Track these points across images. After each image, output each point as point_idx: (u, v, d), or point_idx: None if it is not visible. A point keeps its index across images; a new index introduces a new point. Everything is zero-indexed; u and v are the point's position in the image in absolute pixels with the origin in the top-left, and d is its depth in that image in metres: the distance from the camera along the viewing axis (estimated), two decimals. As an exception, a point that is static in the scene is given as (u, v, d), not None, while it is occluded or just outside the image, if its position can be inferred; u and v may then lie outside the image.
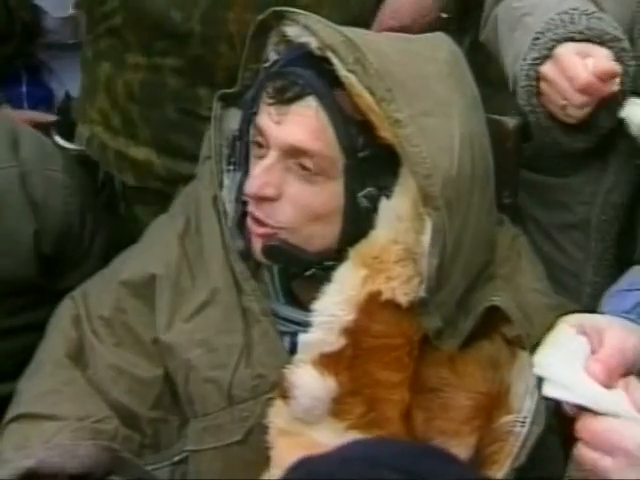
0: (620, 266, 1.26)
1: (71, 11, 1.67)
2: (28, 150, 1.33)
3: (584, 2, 1.19)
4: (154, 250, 1.24)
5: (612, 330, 0.88)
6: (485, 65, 1.32)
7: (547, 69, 1.13)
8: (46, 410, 1.16)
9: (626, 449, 0.76)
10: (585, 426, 0.81)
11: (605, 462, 0.79)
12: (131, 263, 1.25)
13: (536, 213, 1.35)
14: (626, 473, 0.78)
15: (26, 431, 1.15)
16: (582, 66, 1.10)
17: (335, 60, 1.06)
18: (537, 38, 1.14)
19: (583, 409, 0.82)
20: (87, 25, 1.48)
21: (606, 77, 1.09)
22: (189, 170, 1.34)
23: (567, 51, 1.12)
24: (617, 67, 1.11)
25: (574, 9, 1.14)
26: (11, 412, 1.18)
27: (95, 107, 1.46)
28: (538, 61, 1.14)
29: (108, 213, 1.51)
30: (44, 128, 1.61)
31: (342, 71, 1.05)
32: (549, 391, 0.82)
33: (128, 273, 1.23)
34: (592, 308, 1.21)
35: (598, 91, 1.11)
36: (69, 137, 1.60)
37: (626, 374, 0.85)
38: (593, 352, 0.87)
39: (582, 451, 0.81)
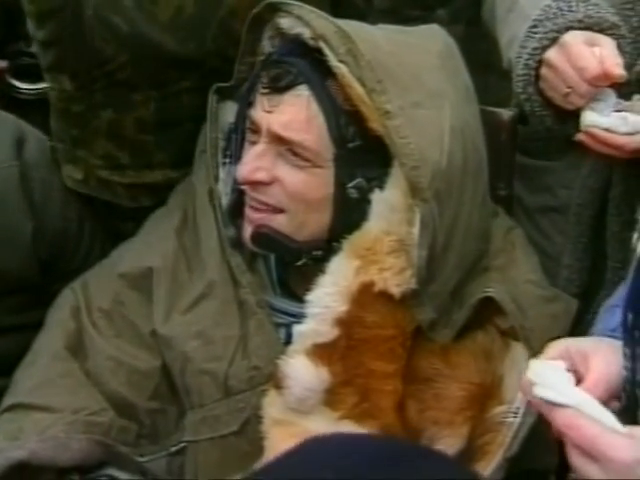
0: (595, 251, 1.28)
1: None
2: (31, 152, 1.34)
3: None
4: (152, 243, 1.25)
5: (598, 355, 0.88)
6: (491, 52, 1.31)
7: (553, 56, 1.12)
8: (41, 401, 1.17)
9: (613, 459, 0.77)
10: (573, 425, 0.81)
11: (591, 469, 0.79)
12: (129, 256, 1.26)
13: (521, 194, 1.36)
14: None
15: (20, 421, 1.16)
16: (592, 56, 1.09)
17: (327, 50, 1.06)
18: (535, 26, 1.14)
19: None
20: (70, 85, 1.37)
21: (614, 70, 1.09)
22: None
23: (575, 40, 1.11)
24: (621, 58, 1.11)
25: None
26: (6, 401, 1.19)
27: (95, 154, 1.41)
28: (538, 51, 1.13)
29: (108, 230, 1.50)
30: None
31: (333, 61, 1.06)
32: (540, 392, 0.83)
33: (126, 266, 1.24)
34: (568, 291, 1.24)
35: (604, 82, 1.11)
36: (26, 78, 1.58)
37: (609, 399, 0.86)
38: (579, 380, 0.87)
39: (571, 453, 0.82)
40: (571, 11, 1.13)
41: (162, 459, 1.19)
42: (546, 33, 1.13)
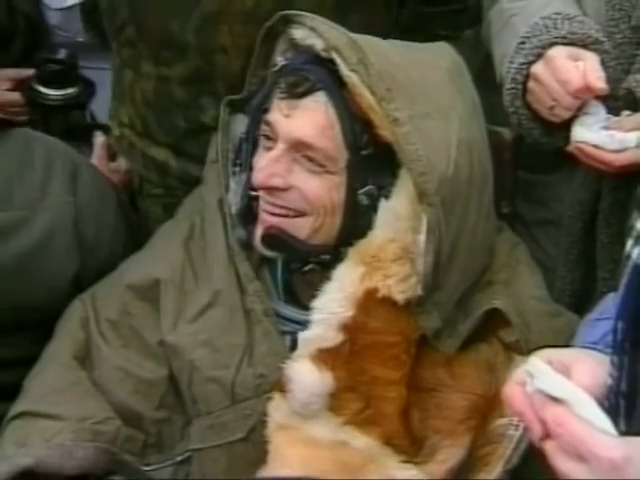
0: (586, 262, 1.30)
1: (70, 2, 1.70)
2: (86, 187, 1.32)
3: (568, 5, 1.24)
4: (159, 255, 1.27)
5: (582, 366, 0.87)
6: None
7: (539, 70, 1.17)
8: (49, 409, 1.18)
9: (603, 458, 0.76)
10: (564, 423, 0.80)
11: (579, 470, 0.79)
12: (137, 267, 1.28)
13: (520, 208, 1.39)
14: None
15: (28, 429, 1.17)
16: (575, 70, 1.14)
17: (339, 60, 1.10)
18: (522, 42, 1.19)
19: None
20: (110, 35, 1.51)
21: (596, 84, 1.13)
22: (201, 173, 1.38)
23: (559, 54, 1.16)
24: (603, 72, 1.15)
25: (557, 14, 1.19)
26: (15, 409, 1.20)
27: (124, 111, 1.51)
28: (524, 66, 1.18)
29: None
30: (24, 83, 1.62)
31: (345, 71, 1.09)
32: (538, 383, 0.84)
33: (134, 277, 1.26)
34: (561, 301, 1.26)
35: (587, 95, 1.15)
36: (54, 85, 1.61)
37: None
38: None
39: (557, 456, 0.80)
40: (556, 28, 1.19)
41: (168, 468, 1.20)
42: (532, 49, 1.18)
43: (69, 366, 1.23)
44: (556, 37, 1.17)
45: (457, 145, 1.09)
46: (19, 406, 1.20)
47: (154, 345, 1.21)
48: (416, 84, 1.11)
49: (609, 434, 0.78)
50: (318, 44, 1.13)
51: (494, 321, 1.14)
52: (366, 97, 1.08)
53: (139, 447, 1.20)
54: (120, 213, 1.38)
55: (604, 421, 0.80)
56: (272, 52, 1.21)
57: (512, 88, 1.19)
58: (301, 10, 1.19)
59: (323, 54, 1.12)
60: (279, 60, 1.20)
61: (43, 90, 1.62)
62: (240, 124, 1.25)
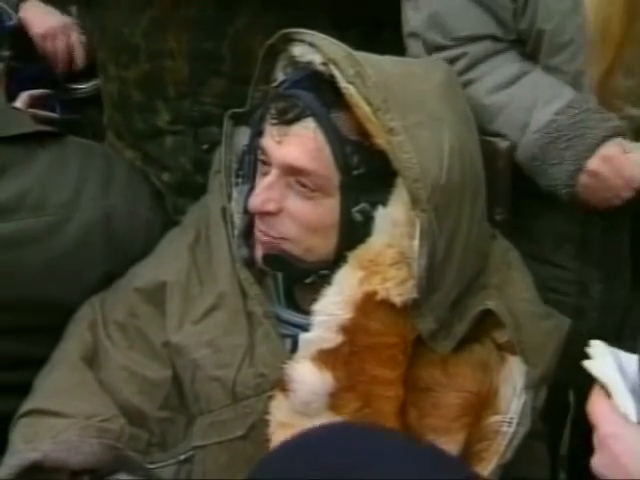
0: None
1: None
2: (119, 188, 1.34)
3: (560, 90, 1.31)
4: (166, 259, 1.30)
5: None
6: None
7: (598, 167, 1.28)
8: (56, 407, 1.22)
9: (599, 428, 0.80)
10: (594, 399, 0.85)
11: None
12: (144, 272, 1.31)
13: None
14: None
15: (36, 425, 1.21)
16: (635, 165, 1.26)
17: (336, 72, 1.14)
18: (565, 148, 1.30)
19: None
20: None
21: None
22: (169, 179, 1.45)
23: (617, 151, 1.28)
24: None
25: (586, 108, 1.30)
26: (24, 407, 1.23)
27: (105, 114, 1.57)
28: (574, 172, 1.29)
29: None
30: (44, 101, 1.67)
31: (343, 82, 1.13)
32: (589, 365, 0.88)
33: (142, 281, 1.29)
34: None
35: None
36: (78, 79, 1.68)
37: None
38: None
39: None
40: (604, 120, 1.29)
41: (171, 467, 1.23)
42: (577, 155, 1.29)
43: (77, 367, 1.26)
44: (606, 133, 1.27)
45: (449, 153, 1.14)
46: (28, 404, 1.24)
47: (159, 346, 1.25)
48: (410, 95, 1.15)
49: (621, 415, 0.83)
50: (317, 59, 1.16)
51: (487, 322, 1.19)
52: (362, 108, 1.12)
53: (143, 445, 1.23)
54: (154, 210, 1.39)
55: (630, 408, 0.84)
56: (273, 68, 1.25)
57: (567, 192, 1.31)
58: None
59: (321, 68, 1.16)
60: (280, 76, 1.24)
61: (73, 86, 1.66)
62: (244, 136, 1.29)
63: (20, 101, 1.68)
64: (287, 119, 1.15)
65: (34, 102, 1.72)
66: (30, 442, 1.18)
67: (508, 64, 1.34)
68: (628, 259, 1.43)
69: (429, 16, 1.34)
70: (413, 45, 1.37)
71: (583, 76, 1.30)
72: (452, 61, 1.33)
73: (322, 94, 1.15)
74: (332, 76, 1.15)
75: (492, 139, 1.35)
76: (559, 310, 1.27)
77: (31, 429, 1.21)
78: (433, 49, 1.35)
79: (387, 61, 1.19)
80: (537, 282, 1.27)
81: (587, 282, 1.44)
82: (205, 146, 1.49)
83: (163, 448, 1.25)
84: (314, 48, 1.17)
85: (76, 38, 1.78)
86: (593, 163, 1.27)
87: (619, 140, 1.28)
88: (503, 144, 1.35)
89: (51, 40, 1.76)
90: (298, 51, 1.20)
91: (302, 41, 1.19)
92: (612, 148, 1.27)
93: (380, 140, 1.12)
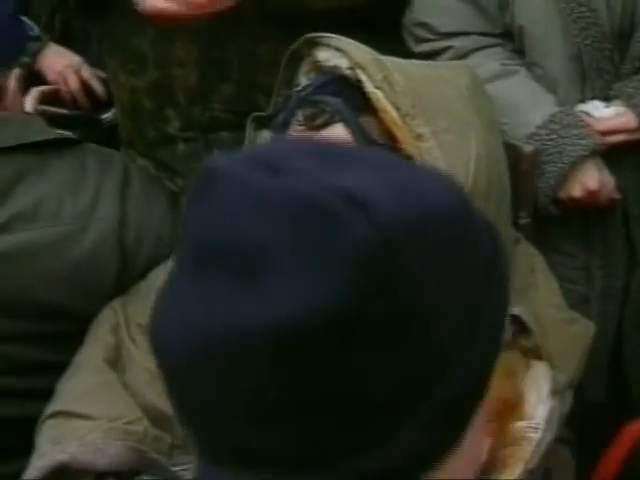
0: None
1: None
2: (134, 196, 1.33)
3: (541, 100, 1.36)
4: None
5: None
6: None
7: (575, 192, 1.37)
8: (81, 410, 1.23)
9: None
10: None
11: None
12: (166, 272, 1.31)
13: None
14: None
15: (62, 428, 1.22)
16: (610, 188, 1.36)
17: (364, 77, 1.13)
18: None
19: None
20: None
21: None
22: (182, 184, 1.46)
23: (592, 176, 1.37)
24: None
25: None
26: (50, 409, 1.25)
27: (120, 124, 1.60)
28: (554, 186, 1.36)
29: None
30: (54, 97, 1.71)
31: (370, 87, 1.13)
32: None
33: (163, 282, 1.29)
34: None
35: None
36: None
37: None
38: None
39: None
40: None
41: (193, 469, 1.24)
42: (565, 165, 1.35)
43: (100, 369, 1.27)
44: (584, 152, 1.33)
45: (476, 159, 1.14)
46: (53, 406, 1.25)
47: None
48: (437, 100, 1.15)
49: None
50: (343, 63, 1.16)
51: (513, 328, 1.18)
52: (390, 113, 1.12)
53: (166, 447, 1.23)
54: (168, 217, 1.38)
55: None
56: (296, 73, 1.25)
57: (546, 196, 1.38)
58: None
59: (347, 72, 1.16)
60: (302, 80, 1.24)
61: (101, 117, 1.70)
62: (263, 140, 1.29)
63: (30, 97, 1.70)
64: (316, 125, 1.15)
65: (44, 98, 1.73)
66: (57, 444, 1.19)
67: (489, 62, 1.34)
68: (624, 245, 1.44)
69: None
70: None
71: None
72: (437, 54, 1.34)
73: (349, 99, 1.15)
74: (358, 80, 1.15)
75: (516, 143, 1.35)
76: (567, 299, 1.27)
77: (57, 431, 1.22)
78: (419, 41, 1.36)
79: (413, 65, 1.20)
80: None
81: (592, 269, 1.44)
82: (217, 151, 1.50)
83: (186, 450, 1.25)
84: (340, 52, 1.17)
85: (88, 73, 1.81)
86: (570, 188, 1.34)
87: (596, 160, 1.31)
88: (528, 148, 1.35)
89: (64, 82, 1.80)
90: (323, 55, 1.20)
91: (327, 45, 1.19)
92: (588, 173, 1.32)
93: (407, 145, 1.12)
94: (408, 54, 1.39)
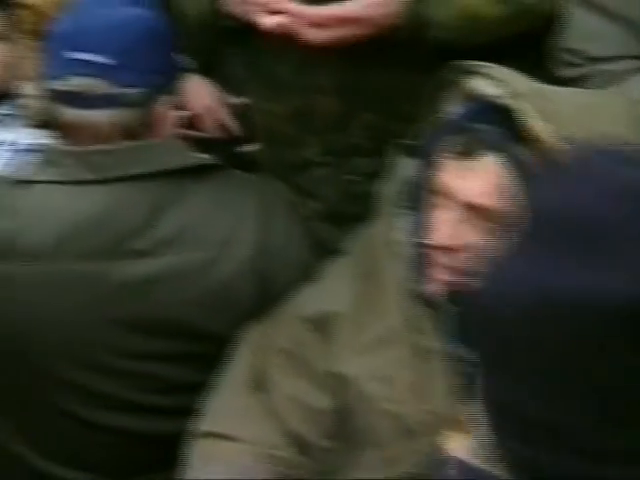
0: None
1: None
2: (276, 225, 1.35)
3: None
4: (333, 288, 1.31)
5: None
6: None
7: None
8: (229, 432, 1.26)
9: None
10: None
11: None
12: (310, 299, 1.33)
13: None
14: None
15: (211, 448, 1.25)
16: None
17: (521, 106, 1.11)
18: None
19: None
20: None
21: None
22: (315, 207, 1.49)
23: None
24: None
25: None
26: (199, 427, 1.28)
27: None
28: None
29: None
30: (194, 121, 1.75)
31: (528, 117, 1.10)
32: None
33: (307, 309, 1.31)
34: None
35: None
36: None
37: None
38: None
39: None
40: None
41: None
42: None
43: (245, 392, 1.30)
44: None
45: None
46: (203, 426, 1.28)
47: (324, 376, 1.26)
48: (595, 130, 1.12)
49: None
50: (498, 92, 1.14)
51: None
52: (550, 144, 1.10)
53: (307, 474, 1.25)
54: (305, 241, 1.40)
55: None
56: (442, 99, 1.24)
57: None
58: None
59: (500, 102, 1.14)
60: (451, 108, 1.23)
61: (243, 150, 1.74)
62: (403, 167, 1.29)
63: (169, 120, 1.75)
64: (470, 153, 1.14)
65: (184, 121, 1.78)
66: (207, 464, 1.23)
67: None
68: None
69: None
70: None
71: None
72: (584, 79, 1.30)
73: (505, 128, 1.13)
74: (515, 110, 1.13)
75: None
76: None
77: (207, 451, 1.25)
78: (566, 65, 1.33)
79: (570, 93, 1.17)
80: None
81: None
82: (353, 177, 1.52)
83: (323, 475, 1.26)
84: (496, 81, 1.15)
85: (223, 113, 1.82)
86: None
87: None
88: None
89: (200, 122, 1.83)
90: (475, 84, 1.18)
91: (483, 74, 1.17)
92: None
93: None
94: (553, 83, 1.36)
